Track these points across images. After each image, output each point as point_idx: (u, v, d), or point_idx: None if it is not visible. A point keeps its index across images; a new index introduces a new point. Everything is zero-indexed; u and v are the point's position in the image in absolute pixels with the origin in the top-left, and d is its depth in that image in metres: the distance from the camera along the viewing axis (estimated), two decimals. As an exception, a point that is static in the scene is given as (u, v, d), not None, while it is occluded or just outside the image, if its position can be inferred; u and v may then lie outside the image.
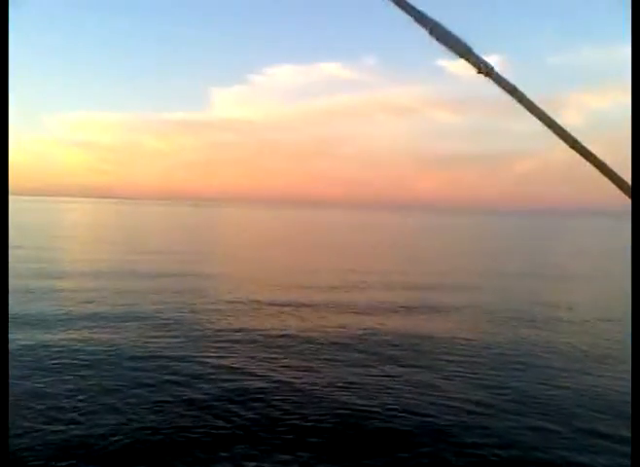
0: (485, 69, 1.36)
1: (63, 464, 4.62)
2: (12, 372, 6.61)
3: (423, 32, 1.31)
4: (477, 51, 1.36)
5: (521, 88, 1.42)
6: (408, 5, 1.29)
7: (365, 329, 9.78)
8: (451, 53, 1.30)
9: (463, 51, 1.31)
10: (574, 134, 1.40)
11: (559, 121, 1.42)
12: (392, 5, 1.27)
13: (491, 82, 1.39)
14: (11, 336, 8.18)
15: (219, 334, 9.07)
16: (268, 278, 16.32)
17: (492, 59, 1.40)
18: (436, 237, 46.28)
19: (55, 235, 33.44)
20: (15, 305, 10.47)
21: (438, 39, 1.29)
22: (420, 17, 1.29)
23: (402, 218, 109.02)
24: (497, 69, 1.39)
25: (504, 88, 1.40)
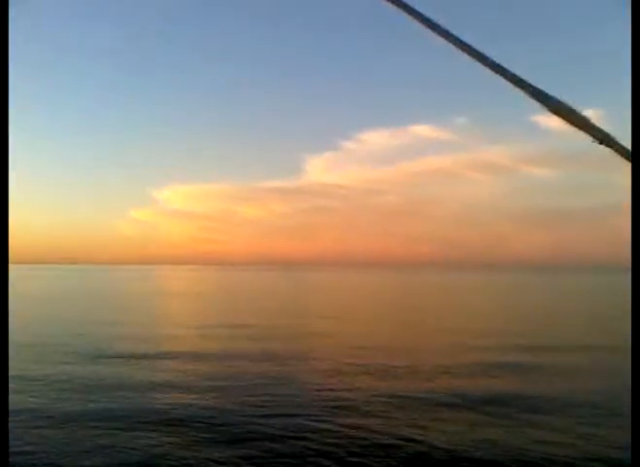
0: (601, 137, 1.37)
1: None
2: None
3: (538, 105, 1.36)
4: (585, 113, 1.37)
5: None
6: (527, 83, 1.35)
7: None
8: (569, 126, 1.34)
9: (580, 122, 1.34)
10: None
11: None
12: (511, 86, 1.35)
13: (608, 149, 1.39)
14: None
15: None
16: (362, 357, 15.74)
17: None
18: (541, 298, 42.97)
19: (155, 308, 35.15)
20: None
21: (555, 113, 1.33)
22: (536, 93, 1.34)
23: (502, 278, 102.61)
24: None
25: (622, 154, 1.39)
